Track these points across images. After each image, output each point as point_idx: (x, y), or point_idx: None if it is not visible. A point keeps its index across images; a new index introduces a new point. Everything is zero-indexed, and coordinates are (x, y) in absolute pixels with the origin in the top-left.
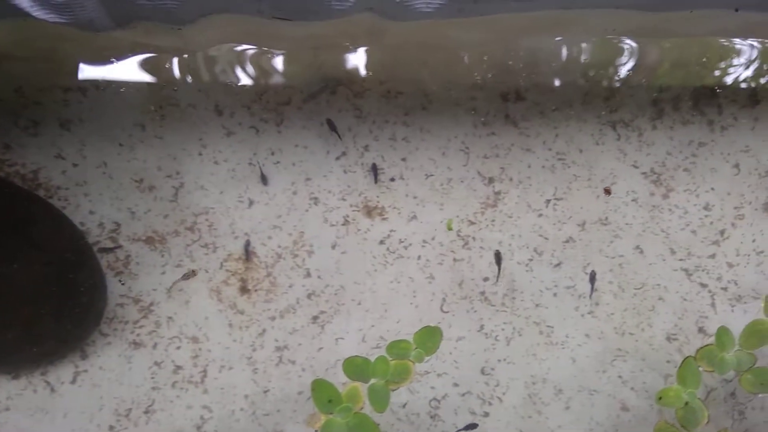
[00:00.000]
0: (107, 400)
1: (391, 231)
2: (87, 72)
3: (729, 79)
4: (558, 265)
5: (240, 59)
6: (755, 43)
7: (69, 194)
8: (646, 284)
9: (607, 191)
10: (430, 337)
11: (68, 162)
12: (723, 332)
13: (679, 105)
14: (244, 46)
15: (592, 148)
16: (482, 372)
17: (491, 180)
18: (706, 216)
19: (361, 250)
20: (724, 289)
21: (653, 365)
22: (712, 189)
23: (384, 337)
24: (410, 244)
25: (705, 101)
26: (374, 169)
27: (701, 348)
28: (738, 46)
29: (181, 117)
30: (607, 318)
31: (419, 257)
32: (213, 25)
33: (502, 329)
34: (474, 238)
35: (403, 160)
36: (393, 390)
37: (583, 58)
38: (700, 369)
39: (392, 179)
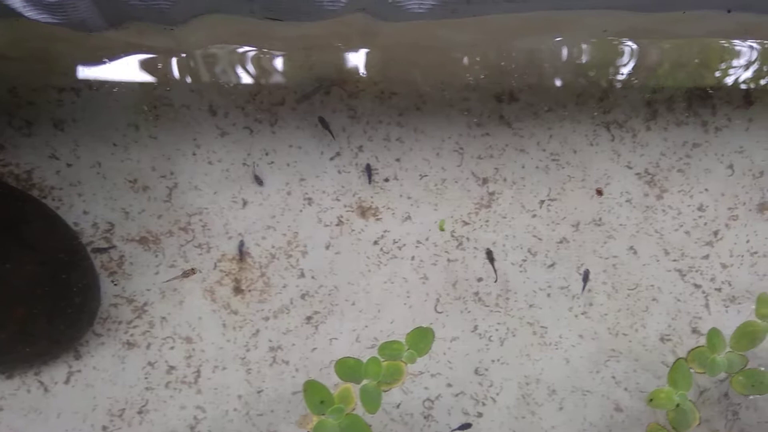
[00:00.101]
0: (101, 401)
1: (385, 231)
2: (80, 72)
3: (723, 80)
4: (552, 265)
5: (233, 60)
6: (750, 44)
7: (63, 194)
8: (640, 285)
9: (599, 192)
10: (422, 338)
11: (62, 162)
12: (714, 334)
13: (673, 106)
14: (237, 47)
15: (586, 148)
16: (476, 372)
17: (485, 180)
18: (699, 217)
19: (355, 250)
20: (718, 289)
21: (647, 366)
22: (706, 190)
23: (378, 337)
24: (404, 245)
25: (699, 102)
26: (368, 170)
27: (692, 350)
28: (732, 47)
29: (174, 117)
30: (601, 318)
31: (413, 258)
32: (205, 26)
33: (496, 330)
34: (468, 239)
35: (398, 160)
36: (385, 391)
37: (576, 59)
38: (692, 371)
39: (386, 180)
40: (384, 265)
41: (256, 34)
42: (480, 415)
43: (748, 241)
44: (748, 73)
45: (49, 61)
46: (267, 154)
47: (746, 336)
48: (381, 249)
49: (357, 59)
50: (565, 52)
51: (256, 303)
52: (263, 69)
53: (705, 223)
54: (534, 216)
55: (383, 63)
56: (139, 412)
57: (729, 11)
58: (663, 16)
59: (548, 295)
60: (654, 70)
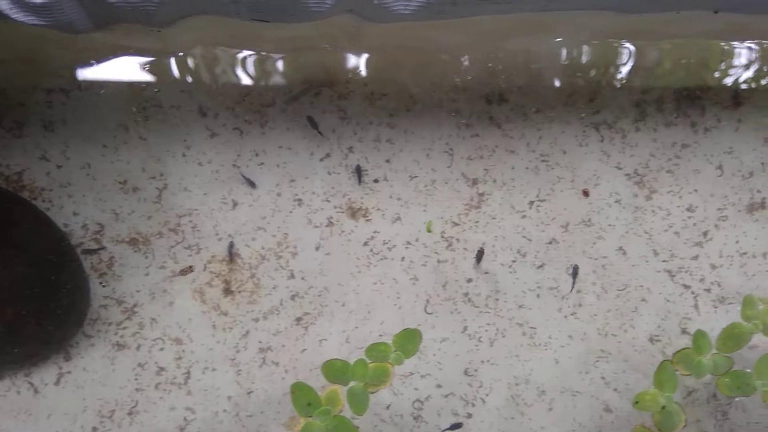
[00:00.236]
0: (91, 402)
1: (374, 232)
2: (69, 73)
3: (712, 81)
4: (541, 266)
5: (222, 61)
6: (738, 45)
7: (53, 195)
8: (629, 285)
9: (585, 193)
10: (409, 340)
11: (52, 163)
12: (700, 336)
13: (662, 106)
14: (225, 48)
15: (575, 149)
16: (465, 373)
17: (475, 181)
18: (689, 217)
19: (345, 251)
20: (707, 290)
21: (636, 366)
22: (696, 190)
23: (367, 338)
24: (394, 246)
25: (688, 103)
26: (358, 171)
27: (678, 351)
28: (721, 48)
29: (164, 118)
30: (590, 319)
31: (403, 258)
32: (192, 27)
33: (486, 330)
34: (458, 240)
35: (387, 161)
36: (372, 392)
37: (564, 60)
38: (678, 373)
39: (376, 181)
40: (374, 266)
41: (244, 36)
42: (469, 415)
43: (737, 242)
44: (737, 74)
45: (38, 63)
46: (257, 155)
47: (732, 338)
48: (371, 250)
49: (345, 60)
50: (553, 53)
51: (246, 304)
52: (252, 70)
53: (694, 224)
54: (524, 217)
55: (372, 64)
56: (129, 414)
57: (716, 12)
58: (651, 17)
59: (538, 295)
60: (644, 70)
